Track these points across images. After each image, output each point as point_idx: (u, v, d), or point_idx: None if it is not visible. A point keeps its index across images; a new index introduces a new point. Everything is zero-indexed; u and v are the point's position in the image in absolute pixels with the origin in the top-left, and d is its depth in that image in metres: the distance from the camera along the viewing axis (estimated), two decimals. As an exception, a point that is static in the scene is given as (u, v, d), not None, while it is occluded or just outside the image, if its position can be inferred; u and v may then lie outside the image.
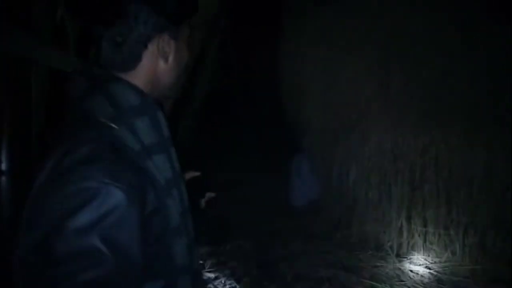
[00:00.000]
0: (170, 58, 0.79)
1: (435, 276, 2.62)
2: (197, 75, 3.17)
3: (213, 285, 2.75)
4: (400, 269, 2.80)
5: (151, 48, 0.76)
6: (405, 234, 2.86)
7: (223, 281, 2.79)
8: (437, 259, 2.71)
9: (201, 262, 2.73)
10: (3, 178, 1.60)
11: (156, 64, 0.78)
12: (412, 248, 2.84)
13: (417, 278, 2.66)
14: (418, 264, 2.78)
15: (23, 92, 1.62)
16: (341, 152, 3.26)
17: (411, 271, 2.75)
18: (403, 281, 2.68)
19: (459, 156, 2.42)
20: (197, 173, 1.12)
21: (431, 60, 2.48)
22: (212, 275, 2.85)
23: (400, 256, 2.91)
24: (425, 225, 2.70)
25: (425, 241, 2.75)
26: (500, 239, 2.38)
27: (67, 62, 1.44)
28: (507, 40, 2.13)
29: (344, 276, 2.84)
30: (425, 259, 2.79)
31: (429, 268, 2.70)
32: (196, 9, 0.85)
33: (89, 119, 0.70)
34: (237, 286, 2.72)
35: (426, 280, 2.62)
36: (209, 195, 1.12)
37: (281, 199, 4.10)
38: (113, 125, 0.70)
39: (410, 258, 2.85)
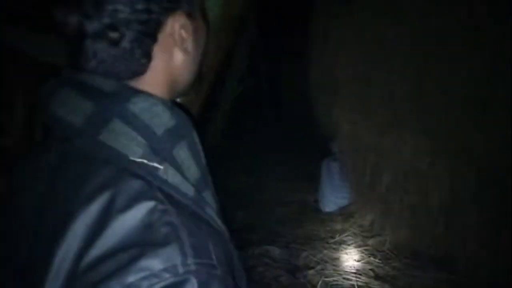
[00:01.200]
0: (189, 45, 0.56)
1: (476, 287, 2.46)
2: (225, 76, 3.15)
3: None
4: (437, 279, 2.64)
5: (163, 38, 0.52)
6: (443, 242, 2.70)
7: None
8: (478, 269, 2.53)
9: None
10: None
11: (172, 59, 0.55)
12: (451, 257, 2.67)
13: (457, 289, 2.50)
14: (457, 274, 2.61)
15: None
16: (374, 155, 3.14)
17: (449, 281, 2.58)
18: (442, 292, 2.52)
19: (503, 159, 2.25)
20: None
21: (470, 58, 2.33)
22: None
23: (438, 265, 2.75)
24: (466, 233, 2.54)
25: (465, 249, 2.58)
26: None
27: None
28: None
29: (378, 285, 2.71)
30: (466, 269, 2.61)
31: (469, 279, 2.53)
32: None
33: (114, 160, 0.47)
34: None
35: (467, 292, 2.46)
36: None
37: (310, 204, 4.00)
38: (157, 165, 0.47)
39: (448, 268, 2.68)
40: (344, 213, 3.75)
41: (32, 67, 1.42)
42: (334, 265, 3.01)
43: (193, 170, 0.51)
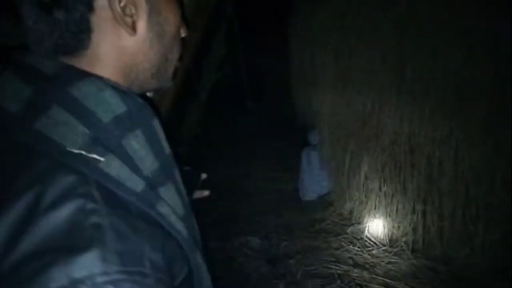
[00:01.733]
0: (140, 25, 0.48)
1: (453, 273, 2.51)
2: (202, 64, 3.06)
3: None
4: (415, 265, 2.69)
5: (102, 10, 0.45)
6: (420, 229, 2.74)
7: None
8: (455, 256, 2.58)
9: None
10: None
11: (120, 39, 0.47)
12: (428, 244, 2.72)
13: (433, 274, 2.55)
14: (435, 261, 2.66)
15: None
16: (353, 144, 3.14)
17: (427, 267, 2.63)
18: (419, 278, 2.56)
19: (479, 147, 2.28)
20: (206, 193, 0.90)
21: (450, 46, 2.33)
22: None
23: (416, 252, 2.79)
24: (442, 220, 2.58)
25: (441, 237, 2.62)
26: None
27: None
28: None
29: (357, 273, 2.73)
30: (442, 256, 2.67)
31: (447, 265, 2.58)
32: None
33: (47, 150, 0.41)
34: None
35: (443, 277, 2.50)
36: (203, 193, 0.90)
37: (290, 193, 3.99)
38: (97, 157, 0.42)
39: (426, 254, 2.73)
40: (324, 202, 3.76)
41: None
42: (313, 254, 3.01)
43: (149, 161, 0.46)
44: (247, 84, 3.39)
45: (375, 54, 2.68)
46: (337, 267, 2.80)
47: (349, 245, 3.08)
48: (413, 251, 2.81)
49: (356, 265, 2.84)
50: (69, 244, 0.38)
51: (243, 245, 3.11)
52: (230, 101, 4.80)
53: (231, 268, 2.80)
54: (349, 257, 2.92)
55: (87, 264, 0.37)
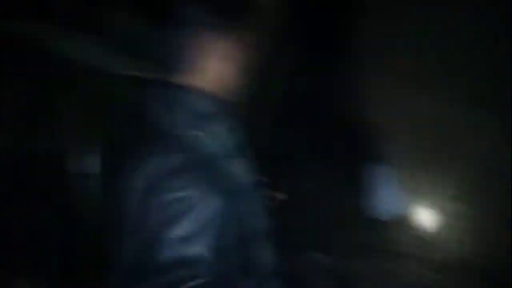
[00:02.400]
0: (231, 59, 0.83)
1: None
2: (269, 77, 3.07)
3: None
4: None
5: (211, 48, 0.80)
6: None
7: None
8: None
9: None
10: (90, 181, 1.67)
11: (218, 66, 0.82)
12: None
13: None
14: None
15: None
16: (436, 163, 2.89)
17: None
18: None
19: None
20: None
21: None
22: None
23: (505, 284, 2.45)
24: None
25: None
26: None
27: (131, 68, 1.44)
28: None
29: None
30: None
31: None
32: (254, 11, 0.85)
33: (171, 130, 0.76)
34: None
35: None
36: (280, 195, 1.16)
37: (365, 211, 3.80)
38: (195, 133, 0.77)
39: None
40: (402, 222, 3.51)
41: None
42: (389, 277, 2.82)
43: (226, 142, 0.80)
44: (314, 96, 3.33)
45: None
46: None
47: (433, 272, 2.82)
48: (505, 283, 2.47)
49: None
50: (177, 172, 0.73)
51: (312, 263, 3.03)
52: (298, 114, 4.75)
53: (299, 286, 2.74)
54: (430, 285, 2.68)
55: (184, 181, 0.72)
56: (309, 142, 5.09)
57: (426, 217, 3.31)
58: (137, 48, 1.52)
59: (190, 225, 0.64)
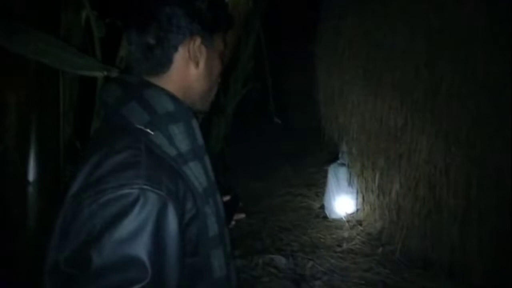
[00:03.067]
0: (201, 64, 0.78)
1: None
2: (229, 78, 3.04)
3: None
4: (452, 291, 2.52)
5: (182, 51, 0.76)
6: (458, 251, 2.58)
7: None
8: (495, 280, 2.40)
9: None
10: (30, 189, 1.53)
11: (186, 69, 0.77)
12: (467, 267, 2.55)
13: (473, 302, 2.38)
14: (474, 285, 2.48)
15: (51, 101, 1.54)
16: (384, 161, 3.02)
17: (465, 294, 2.46)
18: (457, 306, 2.40)
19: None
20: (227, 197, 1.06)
21: (487, 60, 2.22)
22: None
23: (453, 276, 2.62)
24: (481, 242, 2.41)
25: (481, 259, 2.45)
26: None
27: (96, 68, 1.33)
28: None
29: (389, 297, 2.59)
30: (483, 279, 2.49)
31: (487, 291, 2.41)
32: (231, 24, 0.84)
33: (125, 126, 0.70)
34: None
35: (484, 306, 2.33)
36: (239, 216, 1.05)
37: (316, 211, 3.88)
38: (149, 131, 0.69)
39: (464, 279, 2.55)
40: (351, 220, 3.63)
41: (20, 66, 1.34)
42: (342, 275, 2.88)
43: (184, 143, 0.72)
44: (274, 99, 3.34)
45: (408, 69, 2.58)
46: (367, 290, 2.67)
47: (379, 267, 2.93)
48: (449, 275, 2.64)
49: (387, 288, 2.69)
50: (120, 168, 0.64)
51: (267, 264, 3.01)
52: (256, 116, 4.77)
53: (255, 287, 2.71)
54: (380, 280, 2.77)
55: (128, 177, 0.63)
56: (264, 143, 5.12)
57: (373, 214, 3.45)
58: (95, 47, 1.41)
59: (128, 226, 0.59)
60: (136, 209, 0.61)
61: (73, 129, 1.68)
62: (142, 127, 0.69)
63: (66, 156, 1.63)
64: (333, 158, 3.93)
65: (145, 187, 0.62)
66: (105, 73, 1.21)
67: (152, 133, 0.69)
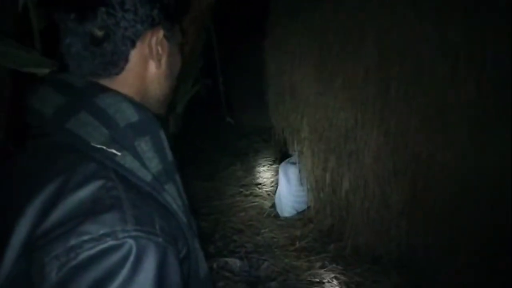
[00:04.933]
0: (163, 62, 0.63)
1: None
2: (179, 77, 2.90)
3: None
4: (401, 283, 2.64)
5: (141, 46, 0.59)
6: (405, 246, 2.70)
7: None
8: (441, 272, 2.55)
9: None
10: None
11: (145, 69, 0.61)
12: (413, 261, 2.68)
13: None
14: (420, 278, 2.62)
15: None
16: (334, 159, 3.07)
17: (412, 285, 2.58)
18: (405, 298, 2.51)
19: (465, 164, 2.27)
20: None
21: (434, 62, 2.33)
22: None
23: (401, 269, 2.74)
24: (427, 237, 2.55)
25: (427, 253, 2.59)
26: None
27: (44, 65, 1.16)
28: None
29: (342, 293, 2.64)
30: (428, 273, 2.63)
31: (433, 282, 2.54)
32: (188, 8, 0.75)
33: (76, 146, 0.52)
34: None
35: (431, 297, 2.46)
36: None
37: (267, 210, 3.87)
38: (114, 151, 0.52)
39: (411, 272, 2.68)
40: (303, 218, 3.67)
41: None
42: (296, 274, 2.90)
43: (154, 163, 0.56)
44: (225, 98, 3.26)
45: (358, 70, 2.64)
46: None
47: (332, 263, 2.99)
48: (397, 268, 2.76)
49: (340, 284, 2.75)
50: (94, 210, 0.47)
51: (222, 268, 2.94)
52: (207, 115, 4.65)
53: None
54: (333, 277, 2.83)
55: (110, 223, 0.46)
56: (214, 142, 5.01)
57: (324, 211, 3.52)
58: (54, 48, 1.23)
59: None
60: (128, 267, 0.45)
61: (5, 131, 1.48)
62: (104, 147, 0.52)
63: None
64: (284, 157, 3.94)
65: (136, 233, 0.46)
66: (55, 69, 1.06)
67: (118, 153, 0.52)
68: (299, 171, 3.65)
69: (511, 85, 2.13)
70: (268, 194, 4.11)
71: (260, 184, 4.30)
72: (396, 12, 2.36)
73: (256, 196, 4.11)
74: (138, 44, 0.59)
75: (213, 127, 4.93)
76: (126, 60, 0.59)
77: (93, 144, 0.52)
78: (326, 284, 2.77)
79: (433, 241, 2.51)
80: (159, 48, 0.61)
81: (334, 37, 2.69)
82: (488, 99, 2.16)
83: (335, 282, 2.79)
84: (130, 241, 0.46)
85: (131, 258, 0.45)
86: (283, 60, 3.31)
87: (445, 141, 2.30)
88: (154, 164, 0.56)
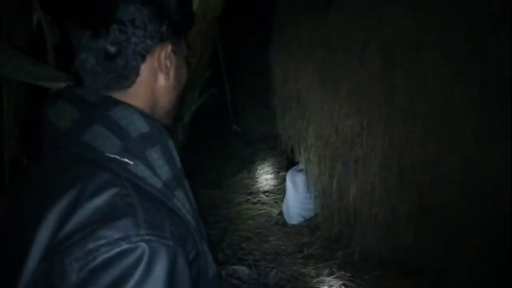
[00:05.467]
0: (171, 74, 0.66)
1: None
2: (185, 86, 2.95)
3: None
4: (410, 290, 2.62)
5: (151, 60, 0.63)
6: (413, 252, 2.69)
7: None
8: (450, 279, 2.54)
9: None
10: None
11: (155, 81, 0.65)
12: (422, 267, 2.67)
13: (429, 300, 2.49)
14: (429, 285, 2.60)
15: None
16: (341, 166, 3.09)
17: (421, 292, 2.57)
18: (415, 304, 2.49)
19: (470, 170, 2.27)
20: None
21: (437, 68, 2.35)
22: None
23: (409, 276, 2.73)
24: (435, 243, 2.54)
25: (434, 260, 2.58)
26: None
27: (59, 79, 1.20)
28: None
29: (351, 300, 2.64)
30: (437, 279, 2.61)
31: (442, 289, 2.53)
32: (194, 23, 0.76)
33: (91, 157, 0.56)
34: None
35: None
36: None
37: (275, 218, 3.88)
38: (127, 160, 0.56)
39: (419, 278, 2.67)
40: (310, 226, 3.67)
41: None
42: (305, 281, 2.90)
43: (165, 170, 0.59)
44: (232, 107, 3.30)
45: (363, 76, 2.66)
46: (330, 295, 2.70)
47: (340, 270, 2.98)
48: (406, 274, 2.75)
49: (349, 291, 2.75)
50: (109, 216, 0.51)
51: (230, 275, 2.95)
52: (214, 124, 4.69)
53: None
54: (342, 284, 2.82)
55: (124, 228, 0.50)
56: (222, 151, 5.05)
57: (331, 218, 3.51)
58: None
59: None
60: (141, 269, 0.48)
61: (20, 143, 1.52)
62: (117, 157, 0.55)
63: (12, 173, 1.47)
64: (291, 164, 3.95)
65: (148, 237, 0.50)
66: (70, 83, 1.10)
67: (131, 162, 0.56)
68: (306, 178, 3.67)
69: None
70: (276, 202, 4.12)
71: (267, 191, 4.32)
72: (399, 19, 2.39)
73: (264, 203, 4.12)
74: (148, 58, 0.62)
75: (219, 136, 4.97)
76: (137, 74, 0.62)
77: (107, 154, 0.56)
78: (335, 290, 2.77)
79: (440, 246, 2.50)
80: (168, 62, 0.65)
81: (338, 44, 2.72)
82: (491, 104, 2.17)
83: (343, 288, 2.78)
84: (143, 245, 0.49)
85: (144, 260, 0.49)
86: (288, 67, 3.35)
87: (449, 146, 2.30)
88: (165, 171, 0.59)
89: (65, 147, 0.58)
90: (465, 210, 2.33)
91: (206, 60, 3.06)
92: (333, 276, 2.93)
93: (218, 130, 4.83)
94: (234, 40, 3.78)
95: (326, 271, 3.00)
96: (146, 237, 0.50)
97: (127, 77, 0.61)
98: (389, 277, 2.80)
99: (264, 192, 4.32)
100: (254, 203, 4.13)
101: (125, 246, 0.49)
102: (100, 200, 0.52)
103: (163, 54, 0.63)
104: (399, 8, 2.45)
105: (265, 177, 4.62)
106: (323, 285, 2.83)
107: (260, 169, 4.79)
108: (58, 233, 0.51)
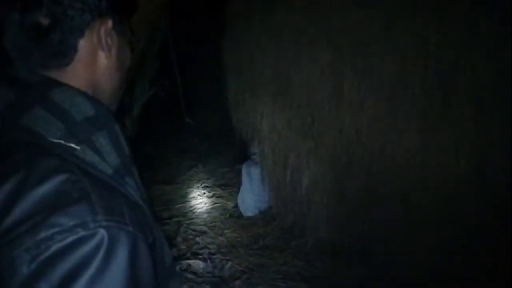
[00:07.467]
0: (113, 53, 0.62)
1: (398, 281, 2.58)
2: (135, 78, 2.86)
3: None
4: (361, 275, 2.73)
5: (89, 36, 0.58)
6: (364, 239, 2.80)
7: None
8: (399, 263, 2.67)
9: None
10: None
11: (95, 59, 0.60)
12: (372, 253, 2.79)
13: (379, 283, 2.61)
14: (379, 269, 2.73)
15: None
16: (293, 157, 3.14)
17: (372, 276, 2.68)
18: (365, 288, 2.61)
19: (416, 158, 2.40)
20: None
21: (385, 61, 2.45)
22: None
23: (361, 261, 2.84)
24: (386, 229, 2.66)
25: (386, 245, 2.70)
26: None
27: None
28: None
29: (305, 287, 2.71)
30: (386, 264, 2.74)
31: (391, 273, 2.66)
32: (137, 5, 0.71)
33: (32, 141, 0.51)
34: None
35: (388, 286, 2.57)
36: None
37: (230, 210, 3.88)
38: (73, 145, 0.52)
39: (370, 264, 2.79)
40: (265, 217, 3.71)
41: None
42: (260, 272, 2.93)
43: (113, 156, 0.56)
44: (185, 100, 3.24)
45: (313, 70, 2.72)
46: (285, 284, 2.75)
47: (294, 260, 3.05)
48: (358, 260, 2.86)
49: (303, 279, 2.81)
50: (61, 203, 0.46)
51: (185, 270, 2.92)
52: (165, 117, 4.58)
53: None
54: (296, 272, 2.89)
55: (79, 214, 0.46)
56: (174, 144, 4.94)
57: (285, 209, 3.58)
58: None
59: (94, 283, 0.44)
60: (101, 257, 0.45)
61: None
62: (62, 141, 0.52)
63: None
64: (246, 157, 3.96)
65: (107, 223, 0.46)
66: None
67: (78, 147, 0.52)
68: (261, 171, 3.69)
69: (456, 81, 2.29)
70: (231, 195, 4.12)
71: (223, 185, 4.31)
72: (347, 13, 2.46)
73: (219, 197, 4.11)
74: (87, 33, 0.58)
75: (174, 130, 4.88)
76: (75, 50, 0.57)
77: (50, 139, 0.52)
78: (290, 279, 2.82)
79: (388, 233, 2.63)
80: (109, 39, 0.61)
81: (289, 37, 2.75)
82: (434, 97, 2.30)
83: (298, 277, 2.84)
84: (102, 231, 0.46)
85: (104, 247, 0.46)
86: (241, 60, 3.35)
87: (395, 137, 2.42)
88: (112, 158, 0.56)
89: (1, 132, 0.53)
90: (411, 198, 2.46)
91: (155, 51, 2.98)
92: (288, 265, 2.99)
93: (173, 124, 4.72)
94: (187, 32, 3.71)
95: (280, 261, 3.05)
96: (105, 223, 0.46)
97: (64, 53, 0.56)
98: (342, 263, 2.90)
99: (220, 185, 4.30)
100: (209, 197, 4.11)
101: (82, 233, 0.45)
102: (47, 187, 0.47)
103: (102, 29, 0.59)
104: (347, 2, 2.52)
105: (221, 171, 4.60)
106: (278, 275, 2.88)
107: (216, 163, 4.76)
108: (1, 224, 0.46)
